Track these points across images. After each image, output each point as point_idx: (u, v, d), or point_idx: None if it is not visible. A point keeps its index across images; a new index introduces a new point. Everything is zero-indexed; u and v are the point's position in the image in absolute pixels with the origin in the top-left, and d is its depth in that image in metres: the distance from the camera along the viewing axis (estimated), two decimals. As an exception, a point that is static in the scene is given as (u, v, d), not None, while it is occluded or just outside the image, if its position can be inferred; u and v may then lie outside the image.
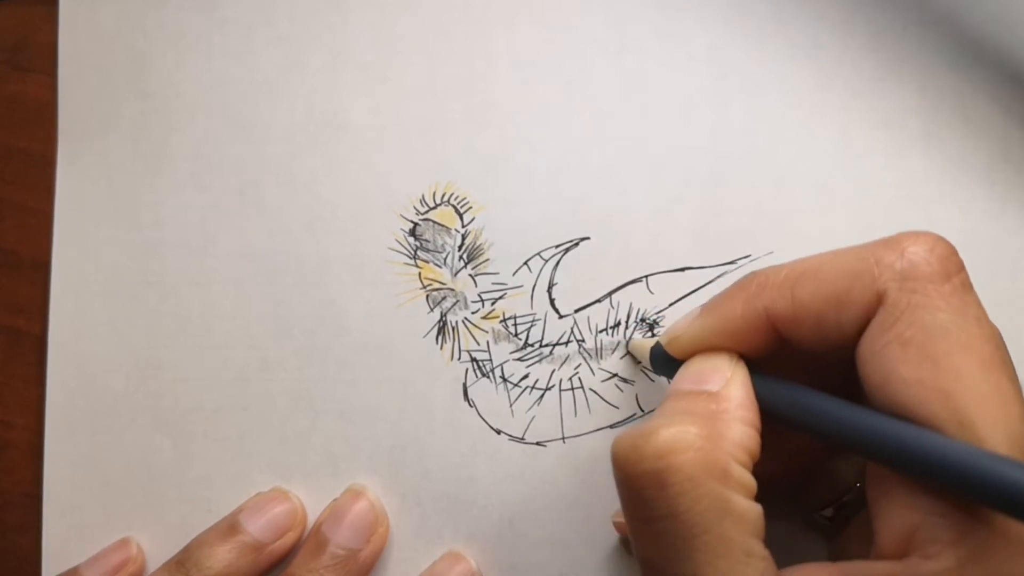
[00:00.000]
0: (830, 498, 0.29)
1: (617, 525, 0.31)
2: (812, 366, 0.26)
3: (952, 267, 0.22)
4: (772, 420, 0.24)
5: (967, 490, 0.20)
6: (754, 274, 0.25)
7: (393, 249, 0.32)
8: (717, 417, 0.23)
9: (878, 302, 0.22)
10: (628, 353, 0.32)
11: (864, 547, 0.23)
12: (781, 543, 0.30)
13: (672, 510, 0.21)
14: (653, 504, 0.21)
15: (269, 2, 0.33)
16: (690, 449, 0.21)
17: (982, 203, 0.32)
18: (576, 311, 0.32)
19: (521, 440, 0.32)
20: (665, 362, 0.27)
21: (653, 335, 0.32)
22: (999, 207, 0.32)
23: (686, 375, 0.25)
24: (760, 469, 0.27)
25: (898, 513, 0.21)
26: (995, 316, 0.32)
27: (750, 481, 0.22)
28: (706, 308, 0.26)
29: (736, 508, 0.21)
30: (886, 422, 0.21)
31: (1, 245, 0.34)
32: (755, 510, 0.22)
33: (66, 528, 0.32)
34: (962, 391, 0.20)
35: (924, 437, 0.20)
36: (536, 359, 0.32)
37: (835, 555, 0.28)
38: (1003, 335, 0.32)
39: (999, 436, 0.20)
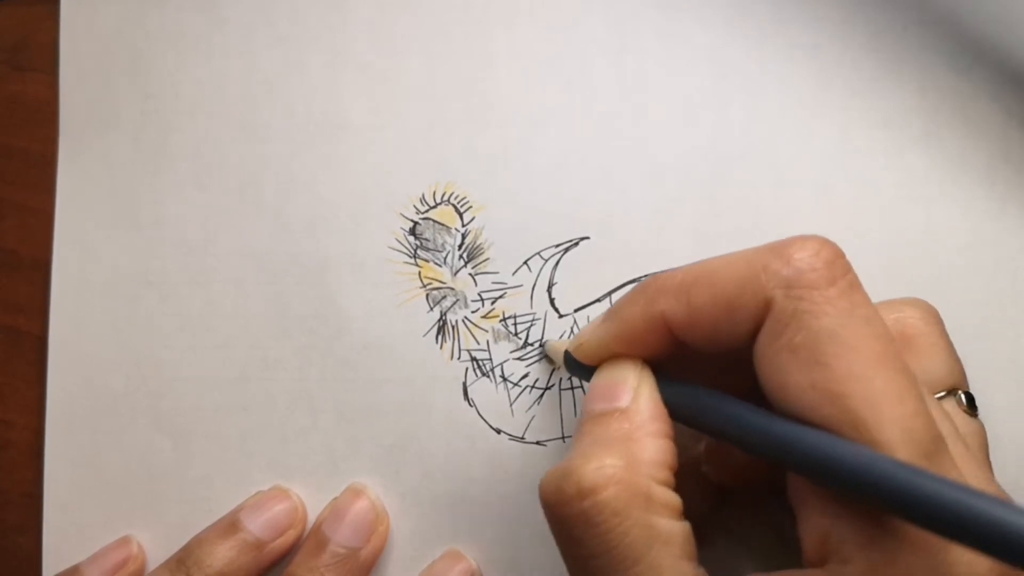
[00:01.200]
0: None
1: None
2: (720, 367, 0.26)
3: (838, 270, 0.22)
4: (682, 423, 0.24)
5: (865, 498, 0.20)
6: (654, 278, 0.25)
7: (393, 248, 0.32)
8: (631, 438, 0.23)
9: (767, 309, 0.22)
10: (544, 356, 0.32)
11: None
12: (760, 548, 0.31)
13: (602, 547, 0.22)
14: (584, 543, 0.22)
15: (269, 2, 0.33)
16: (610, 483, 0.22)
17: (982, 203, 0.32)
18: (576, 311, 0.32)
19: (521, 439, 0.32)
20: (577, 366, 0.27)
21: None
22: (999, 207, 0.32)
23: (595, 391, 0.25)
24: (717, 477, 0.27)
25: (814, 518, 0.22)
26: (995, 316, 0.32)
27: (673, 500, 0.23)
28: (608, 313, 0.26)
29: (663, 533, 0.22)
30: (784, 426, 0.21)
31: (1, 245, 0.34)
32: (682, 530, 0.22)
33: (66, 528, 0.32)
34: (853, 392, 0.21)
35: (819, 442, 0.20)
36: (536, 358, 0.32)
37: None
38: (1003, 335, 0.33)
39: (894, 434, 0.20)
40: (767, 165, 0.32)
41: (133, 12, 0.33)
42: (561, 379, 0.32)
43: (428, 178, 0.33)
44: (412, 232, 0.33)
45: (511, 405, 0.32)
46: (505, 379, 0.32)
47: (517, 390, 0.32)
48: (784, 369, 0.22)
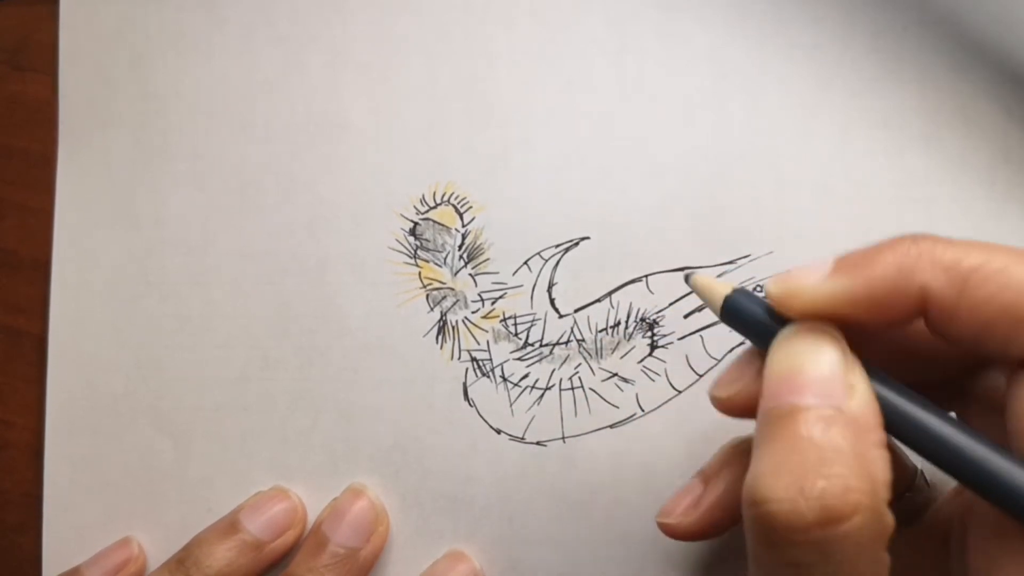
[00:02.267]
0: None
1: (663, 526, 0.26)
2: (913, 351, 0.22)
3: None
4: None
5: None
6: (914, 238, 0.20)
7: (393, 249, 0.32)
8: (864, 454, 0.19)
9: None
10: (689, 288, 0.26)
11: (934, 563, 0.22)
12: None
13: (831, 574, 0.18)
14: (808, 570, 0.19)
15: (269, 2, 0.33)
16: (857, 512, 0.18)
17: (982, 203, 0.32)
18: (576, 311, 0.32)
19: (521, 440, 0.32)
20: (748, 319, 0.22)
21: (653, 335, 0.32)
22: (999, 207, 0.32)
23: (797, 378, 0.20)
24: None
25: (1011, 566, 0.19)
26: (995, 316, 0.32)
27: (892, 526, 0.19)
28: (845, 265, 0.21)
29: (884, 566, 0.19)
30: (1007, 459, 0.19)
31: (1, 245, 0.34)
32: (888, 562, 0.19)
33: (66, 528, 0.32)
34: None
35: None
36: (536, 359, 0.32)
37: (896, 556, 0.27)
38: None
39: None
40: (767, 165, 0.32)
41: (133, 12, 0.33)
42: (561, 379, 0.32)
43: (428, 178, 0.33)
44: (412, 232, 0.33)
45: (511, 405, 0.32)
46: (505, 379, 0.32)
47: (517, 390, 0.32)
48: None
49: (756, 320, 0.22)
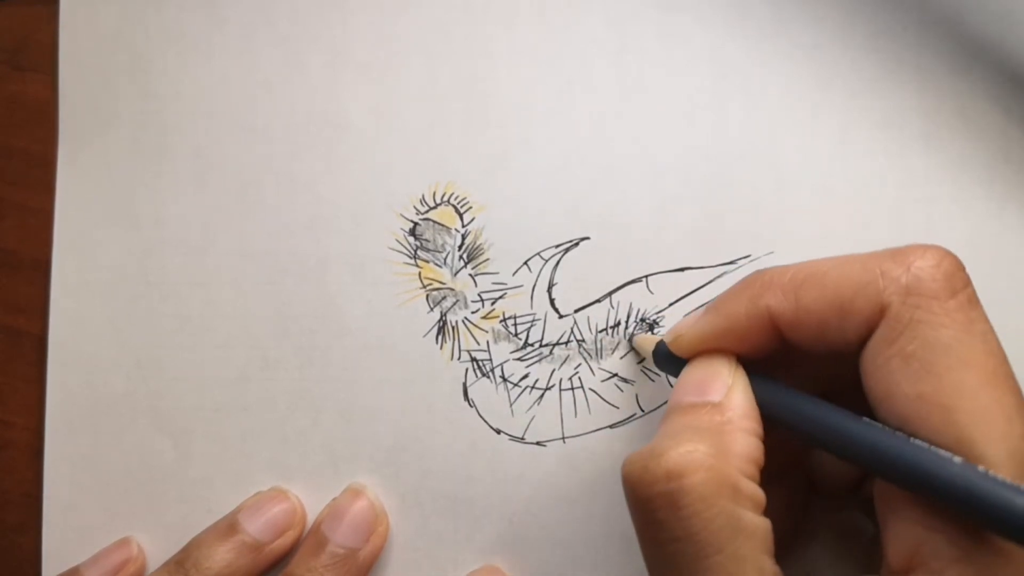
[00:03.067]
0: (849, 477, 0.28)
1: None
2: (814, 368, 0.26)
3: (958, 283, 0.22)
4: (772, 424, 0.24)
5: (966, 512, 0.20)
6: (759, 273, 0.25)
7: (393, 249, 0.32)
8: (722, 431, 0.23)
9: (881, 314, 0.22)
10: (631, 349, 0.32)
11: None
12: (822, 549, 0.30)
13: (685, 532, 0.21)
14: (665, 526, 0.22)
15: (269, 2, 0.33)
16: (700, 468, 0.22)
17: (982, 203, 0.32)
18: (576, 311, 0.32)
19: (521, 440, 0.32)
20: (668, 360, 0.27)
21: (654, 334, 0.32)
22: (999, 207, 0.32)
23: (687, 384, 0.25)
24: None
25: (903, 528, 0.21)
26: (995, 316, 0.32)
27: (759, 495, 0.22)
28: (711, 307, 0.26)
29: (747, 525, 0.21)
30: (887, 436, 0.21)
31: (1, 245, 0.34)
32: (765, 525, 0.22)
33: (66, 528, 0.32)
34: (963, 407, 0.20)
35: (923, 454, 0.20)
36: (536, 359, 0.32)
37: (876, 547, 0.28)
38: (1003, 335, 0.33)
39: (1000, 453, 0.20)
40: (767, 165, 0.32)
41: (133, 12, 0.33)
42: (561, 380, 0.32)
43: (428, 178, 0.33)
44: (412, 233, 0.33)
45: (511, 405, 0.32)
46: (505, 380, 0.32)
47: (517, 391, 0.32)
48: (893, 377, 0.22)
49: (674, 360, 0.27)
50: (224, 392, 0.32)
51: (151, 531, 0.32)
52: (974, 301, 0.22)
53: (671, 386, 0.32)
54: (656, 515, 0.22)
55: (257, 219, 0.33)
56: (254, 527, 0.30)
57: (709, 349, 0.26)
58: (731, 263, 0.32)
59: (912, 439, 0.21)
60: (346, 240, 0.33)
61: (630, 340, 0.32)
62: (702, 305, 0.27)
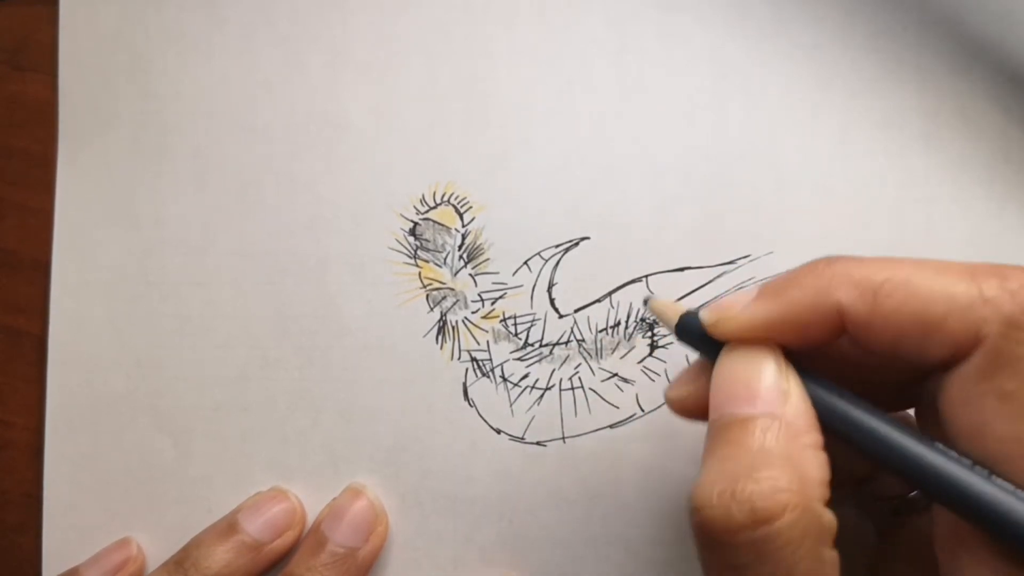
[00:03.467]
0: (894, 491, 0.27)
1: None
2: (864, 369, 0.24)
3: None
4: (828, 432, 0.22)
5: None
6: (829, 261, 0.22)
7: (393, 249, 0.32)
8: (793, 454, 0.20)
9: (976, 342, 0.20)
10: (647, 310, 0.29)
11: (914, 568, 0.22)
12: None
13: (768, 574, 0.20)
14: (746, 571, 0.20)
15: (269, 2, 0.33)
16: (786, 510, 0.19)
17: (982, 203, 0.32)
18: (576, 311, 0.32)
19: (521, 440, 0.32)
20: (700, 338, 0.24)
21: (653, 335, 0.32)
22: (999, 207, 0.32)
23: (734, 388, 0.22)
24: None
25: (975, 570, 0.20)
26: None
27: (834, 525, 0.20)
28: (767, 290, 0.23)
29: (828, 564, 0.20)
30: (968, 470, 0.20)
31: (1, 245, 0.34)
32: (836, 559, 0.20)
33: (66, 528, 0.32)
34: None
35: (1010, 495, 0.19)
36: (536, 359, 0.32)
37: (881, 555, 0.28)
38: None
39: None
40: (767, 165, 0.32)
41: (133, 12, 0.33)
42: (561, 379, 0.32)
43: (428, 178, 0.33)
44: (412, 233, 0.33)
45: (511, 405, 0.32)
46: (505, 379, 0.32)
47: (517, 390, 0.32)
48: (987, 414, 0.20)
49: (705, 338, 0.23)
50: (224, 392, 0.32)
51: (151, 531, 0.32)
52: None
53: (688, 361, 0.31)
54: (737, 561, 0.20)
55: (257, 219, 0.33)
56: (254, 527, 0.30)
57: (759, 338, 0.23)
58: (731, 263, 0.32)
59: (994, 477, 0.19)
60: (346, 240, 0.33)
61: (645, 301, 0.27)
62: (752, 287, 0.23)
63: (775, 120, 0.32)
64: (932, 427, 0.22)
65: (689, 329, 0.24)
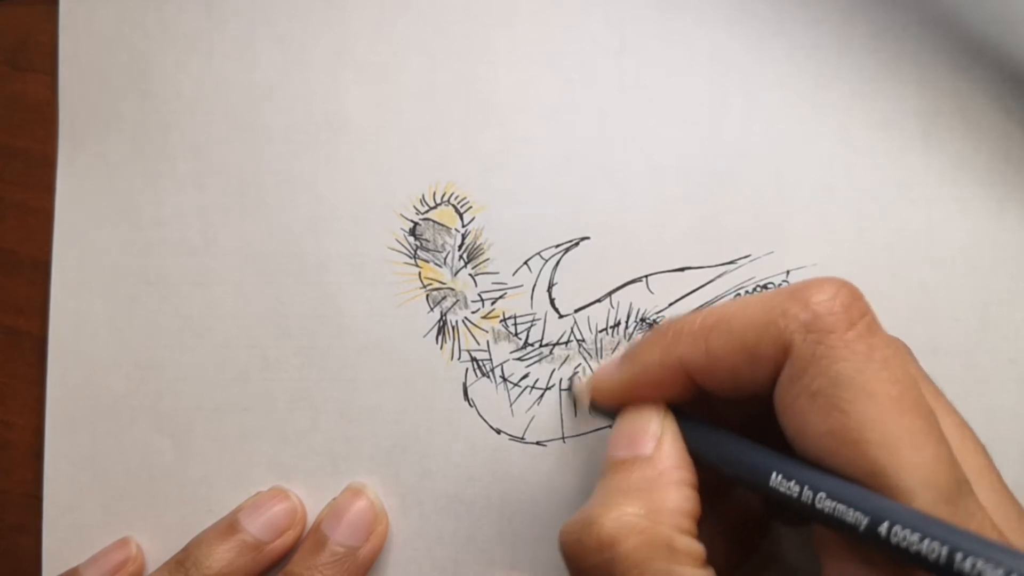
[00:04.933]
0: None
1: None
2: (745, 411, 0.26)
3: (855, 313, 0.22)
4: (707, 468, 0.24)
5: (877, 546, 0.20)
6: (670, 322, 0.25)
7: (393, 249, 0.32)
8: (654, 487, 0.23)
9: (785, 354, 0.22)
10: (570, 397, 0.32)
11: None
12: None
13: None
14: None
15: (269, 2, 0.33)
16: (631, 534, 0.22)
17: (982, 203, 0.32)
18: (576, 311, 0.32)
19: (521, 440, 0.32)
20: (601, 409, 0.28)
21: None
22: (999, 207, 0.32)
23: (619, 438, 0.25)
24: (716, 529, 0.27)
25: (839, 567, 0.22)
26: (995, 316, 0.32)
27: (696, 549, 0.22)
28: (626, 356, 0.26)
29: None
30: (799, 472, 0.22)
31: (1, 245, 0.34)
32: None
33: (66, 528, 0.32)
34: (870, 439, 0.21)
35: (832, 488, 0.21)
36: (536, 359, 0.32)
37: None
38: (1003, 335, 0.33)
39: (912, 480, 0.20)
40: (767, 165, 0.32)
41: (133, 12, 0.33)
42: (561, 379, 0.32)
43: (428, 178, 0.33)
44: (412, 233, 0.33)
45: (511, 405, 0.32)
46: (505, 379, 0.32)
47: (517, 390, 0.32)
48: (803, 415, 0.22)
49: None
50: (224, 392, 0.32)
51: (151, 531, 0.32)
52: (874, 328, 0.22)
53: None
54: None
55: (257, 219, 0.33)
56: (255, 526, 0.30)
57: (629, 399, 0.26)
58: (731, 263, 0.32)
59: (826, 475, 0.21)
60: (346, 240, 0.33)
61: (568, 390, 0.31)
62: (619, 355, 0.27)
63: (775, 120, 0.32)
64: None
65: (595, 405, 0.28)
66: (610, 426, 0.32)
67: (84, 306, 0.33)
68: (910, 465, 0.20)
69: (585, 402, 0.29)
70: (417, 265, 0.32)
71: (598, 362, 0.32)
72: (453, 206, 0.33)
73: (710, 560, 0.22)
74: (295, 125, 0.33)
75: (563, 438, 0.32)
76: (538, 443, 0.32)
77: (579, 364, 0.32)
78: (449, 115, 0.33)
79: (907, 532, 0.19)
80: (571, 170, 0.32)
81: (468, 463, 0.32)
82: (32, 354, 0.33)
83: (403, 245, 0.33)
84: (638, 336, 0.32)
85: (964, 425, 0.25)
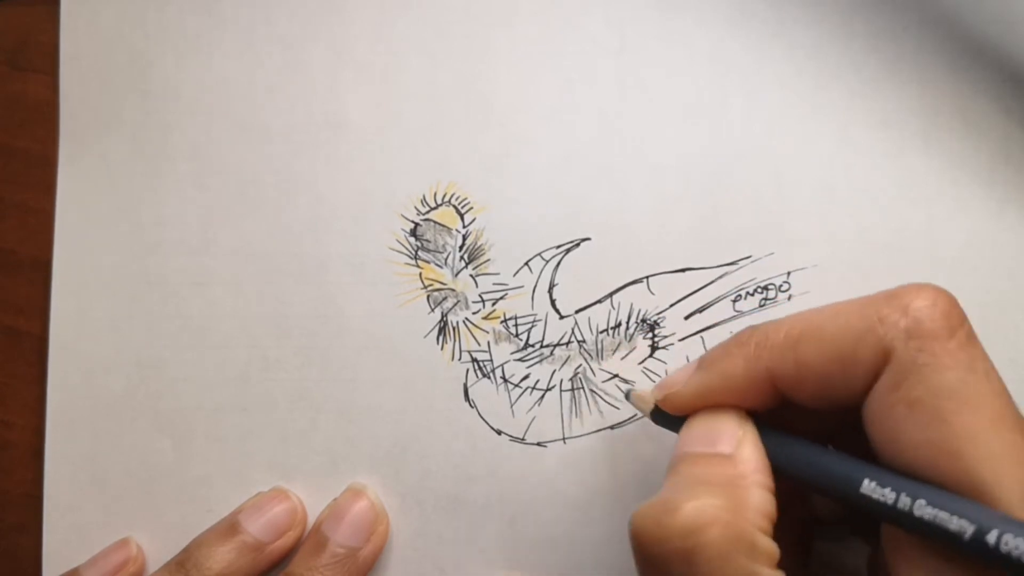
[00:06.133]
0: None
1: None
2: (815, 416, 0.25)
3: (955, 320, 0.22)
4: (783, 478, 0.24)
5: (979, 558, 0.19)
6: (752, 331, 0.24)
7: (394, 249, 0.32)
8: (736, 484, 0.22)
9: (884, 361, 0.22)
10: (629, 402, 0.31)
11: None
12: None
13: None
14: None
15: (269, 2, 0.33)
16: (716, 524, 0.21)
17: (982, 203, 0.32)
18: (577, 312, 0.32)
19: (521, 441, 0.32)
20: (667, 417, 0.27)
21: (654, 335, 0.32)
22: (999, 207, 0.32)
23: (695, 434, 0.25)
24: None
25: (902, 565, 0.21)
26: (995, 316, 0.32)
27: (773, 550, 0.22)
28: (704, 362, 0.25)
29: None
30: (898, 483, 0.21)
31: (1, 245, 0.34)
32: None
33: (66, 528, 0.32)
34: (972, 451, 0.20)
35: (935, 499, 0.20)
36: (537, 360, 0.32)
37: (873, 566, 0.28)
38: (1003, 335, 0.33)
39: (1013, 496, 0.20)
40: (767, 165, 0.32)
41: (133, 12, 0.33)
42: (562, 380, 0.32)
43: (428, 178, 0.33)
44: (413, 233, 0.33)
45: (512, 406, 0.32)
46: (506, 380, 0.32)
47: (518, 391, 0.32)
48: (899, 423, 0.21)
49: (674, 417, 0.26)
50: (224, 392, 0.32)
51: (151, 531, 0.32)
52: (973, 338, 0.22)
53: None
54: (670, 571, 0.21)
55: (257, 219, 0.33)
56: (255, 527, 0.30)
57: (706, 407, 0.25)
58: (732, 263, 0.32)
59: (925, 484, 0.21)
60: (346, 240, 0.33)
61: (627, 395, 0.30)
62: (693, 361, 0.26)
63: (775, 120, 0.32)
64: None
65: (660, 411, 0.27)
66: (612, 427, 0.32)
67: (84, 306, 0.33)
68: (1012, 480, 0.20)
69: (647, 409, 0.28)
70: (418, 266, 0.32)
71: (599, 363, 0.32)
72: (454, 207, 0.33)
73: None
74: (295, 125, 0.33)
75: (564, 439, 0.32)
76: (539, 444, 0.32)
77: (580, 365, 0.32)
78: (449, 115, 0.33)
79: (1020, 541, 0.19)
80: (571, 170, 0.32)
81: (468, 463, 0.32)
82: (32, 354, 0.33)
83: (404, 245, 0.32)
84: (714, 344, 0.31)
85: None
